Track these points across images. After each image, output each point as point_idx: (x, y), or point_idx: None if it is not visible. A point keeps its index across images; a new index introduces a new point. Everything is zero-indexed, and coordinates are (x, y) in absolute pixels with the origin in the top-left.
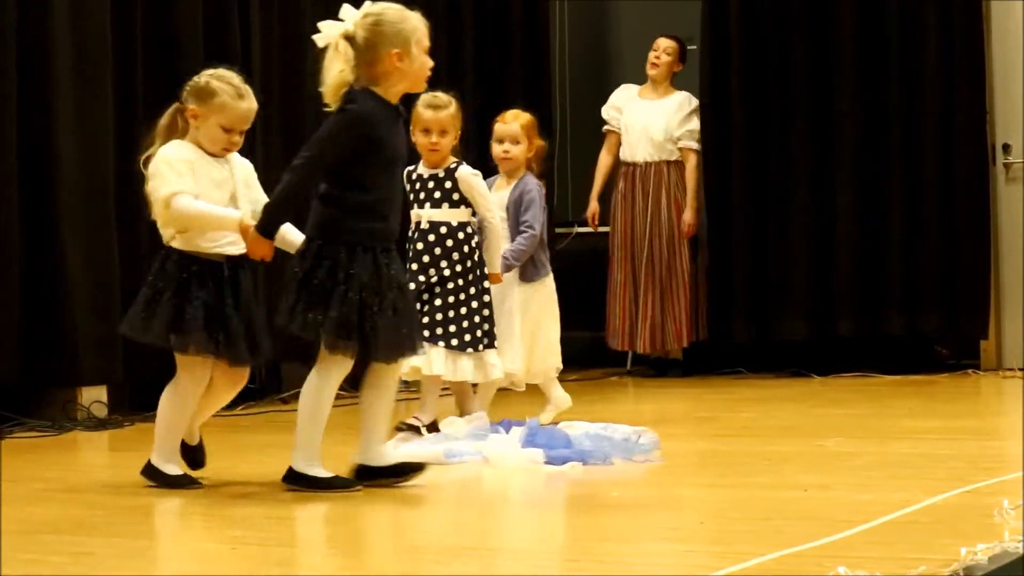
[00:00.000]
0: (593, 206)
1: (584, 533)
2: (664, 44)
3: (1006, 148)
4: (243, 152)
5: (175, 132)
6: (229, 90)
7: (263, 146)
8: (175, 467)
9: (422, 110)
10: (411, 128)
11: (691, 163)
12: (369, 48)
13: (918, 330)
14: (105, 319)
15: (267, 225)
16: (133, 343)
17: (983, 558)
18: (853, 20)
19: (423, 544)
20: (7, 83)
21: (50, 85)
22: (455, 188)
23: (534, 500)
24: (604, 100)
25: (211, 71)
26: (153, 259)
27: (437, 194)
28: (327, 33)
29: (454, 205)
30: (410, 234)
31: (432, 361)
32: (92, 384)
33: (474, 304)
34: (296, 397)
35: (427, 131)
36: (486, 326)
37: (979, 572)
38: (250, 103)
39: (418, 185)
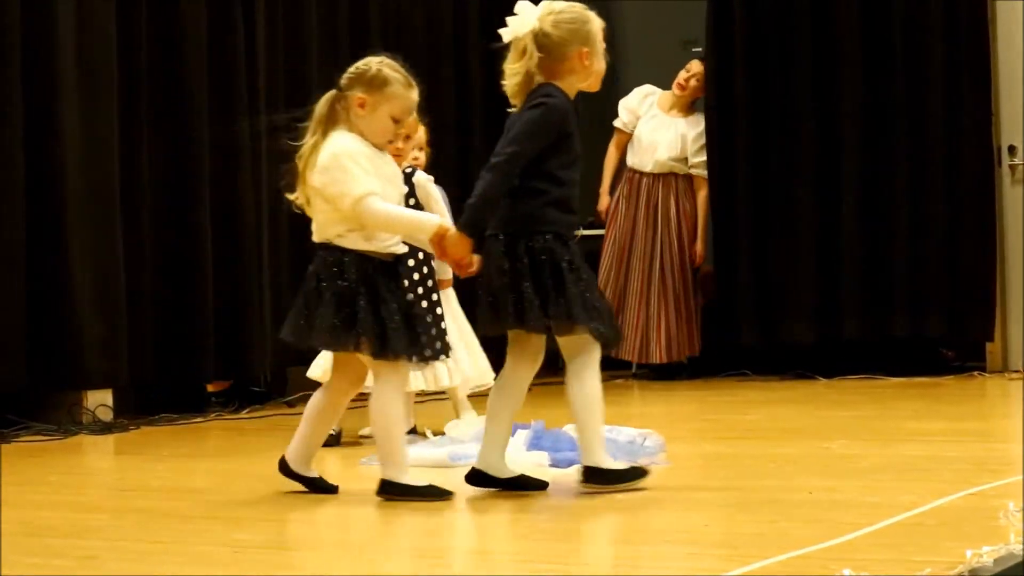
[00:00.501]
0: (604, 200)
1: (590, 536)
2: (697, 69)
3: (1011, 150)
4: (251, 146)
5: (335, 122)
6: (400, 79)
7: (268, 142)
8: (411, 476)
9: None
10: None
11: (703, 192)
12: (558, 46)
13: (923, 332)
14: (110, 322)
15: (472, 224)
16: (138, 346)
17: (988, 560)
18: (857, 22)
19: (427, 546)
20: (12, 88)
21: (55, 89)
22: (411, 193)
23: (539, 503)
24: (607, 101)
25: (377, 58)
26: (312, 258)
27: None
28: (515, 29)
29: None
30: None
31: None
32: (97, 388)
33: (438, 311)
34: (302, 401)
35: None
36: (445, 333)
37: (984, 574)
38: (416, 94)
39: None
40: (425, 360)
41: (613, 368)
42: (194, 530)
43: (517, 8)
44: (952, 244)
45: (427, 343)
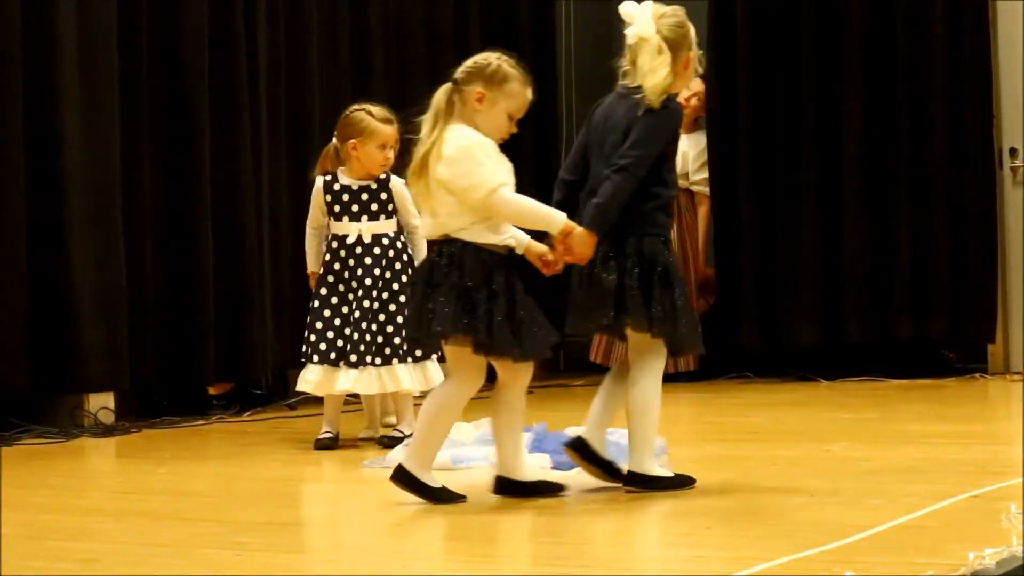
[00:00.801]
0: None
1: (592, 538)
2: (698, 87)
3: (1012, 152)
4: (250, 151)
5: (450, 115)
6: (519, 76)
7: (269, 146)
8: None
9: (381, 125)
10: (360, 141)
11: (704, 208)
12: (671, 50)
13: (926, 334)
14: (111, 326)
15: (601, 224)
16: (140, 349)
17: (991, 563)
18: (860, 26)
19: (429, 549)
20: (13, 93)
21: (56, 94)
22: (390, 199)
23: (541, 505)
24: None
25: (494, 54)
26: (431, 254)
27: (374, 206)
28: (641, 30)
29: (389, 216)
30: (338, 248)
31: (400, 377)
32: (99, 391)
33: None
34: (303, 404)
35: (384, 146)
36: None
37: None
38: (531, 93)
39: (346, 197)
40: (526, 359)
41: None
42: (196, 533)
43: (630, 8)
44: (954, 246)
45: (529, 341)
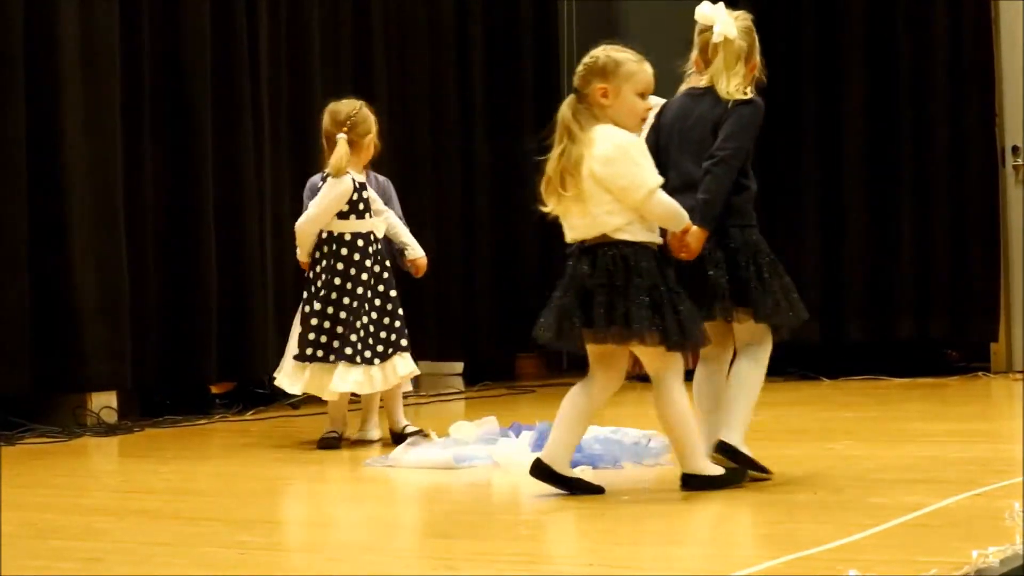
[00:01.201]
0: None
1: (595, 537)
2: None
3: (1015, 151)
4: (254, 150)
5: (580, 125)
6: (630, 56)
7: (271, 143)
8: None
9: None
10: (370, 137)
11: None
12: (747, 52)
13: (928, 334)
14: (114, 325)
15: (711, 219)
16: (142, 348)
17: (994, 561)
18: (862, 25)
19: (431, 547)
20: (15, 93)
21: (57, 92)
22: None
23: (544, 504)
24: None
25: (598, 48)
26: (583, 257)
27: (371, 203)
28: (727, 32)
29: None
30: (365, 245)
31: (399, 368)
32: (101, 390)
33: (400, 309)
34: (305, 403)
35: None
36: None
37: (990, 575)
38: (650, 67)
39: (364, 194)
40: (685, 349)
41: None
42: (198, 532)
43: (709, 10)
44: (956, 245)
45: (689, 331)
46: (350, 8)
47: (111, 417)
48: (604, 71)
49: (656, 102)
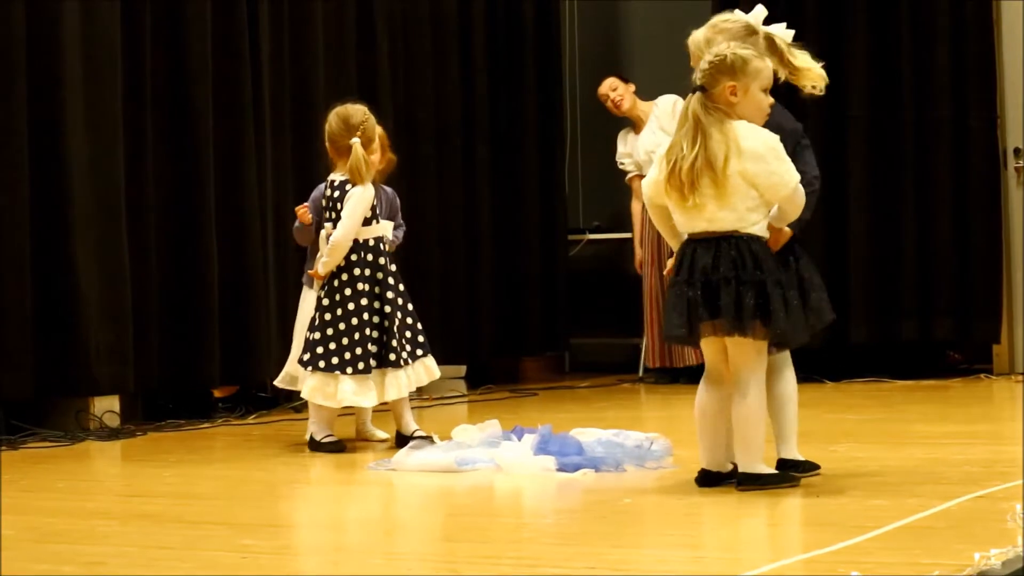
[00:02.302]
0: (639, 254)
1: (597, 540)
2: (609, 84)
3: (1017, 152)
4: (256, 152)
5: (713, 120)
6: (754, 53)
7: (274, 150)
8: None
9: (380, 129)
10: (373, 145)
11: None
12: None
13: (931, 335)
14: (116, 329)
15: (799, 226)
16: (145, 352)
17: (997, 563)
18: (864, 26)
19: (434, 550)
20: (17, 97)
21: (60, 98)
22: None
23: (546, 507)
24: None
25: (723, 46)
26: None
27: (378, 209)
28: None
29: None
30: (371, 248)
31: (418, 375)
32: (104, 394)
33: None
34: (308, 407)
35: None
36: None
37: None
38: (769, 60)
39: (374, 200)
40: (791, 346)
41: (620, 372)
42: (201, 536)
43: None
44: (959, 247)
45: (797, 328)
46: (354, 10)
47: (114, 421)
48: (733, 69)
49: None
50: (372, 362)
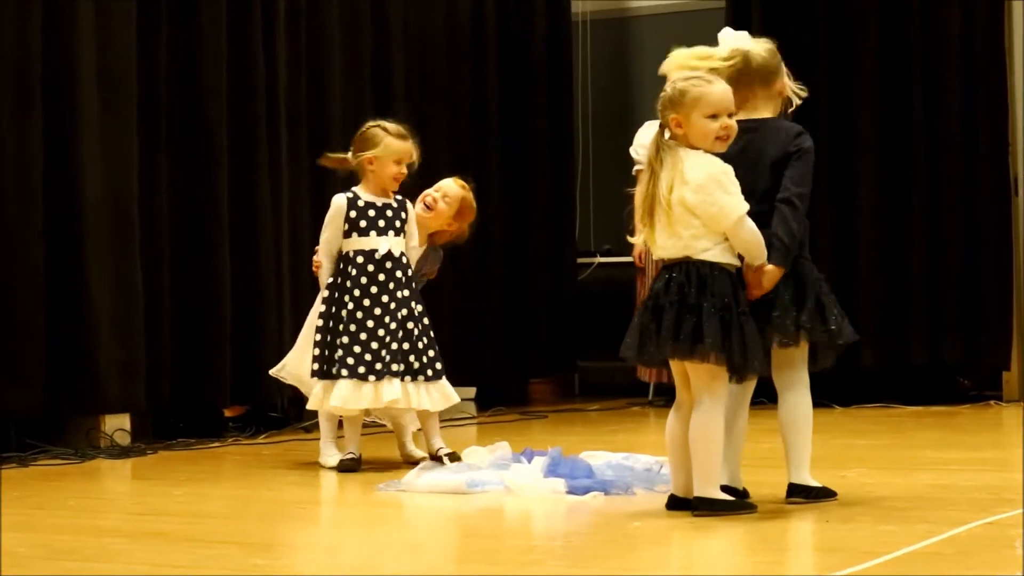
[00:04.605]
0: (639, 246)
1: (606, 563)
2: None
3: None
4: (270, 170)
5: (667, 151)
6: (693, 82)
7: (288, 165)
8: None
9: (396, 140)
10: (375, 155)
11: None
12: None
13: (941, 361)
14: (128, 347)
15: (789, 261)
16: (156, 370)
17: None
18: (875, 50)
19: (445, 572)
20: (32, 113)
21: (74, 113)
22: (407, 219)
23: (556, 530)
24: (627, 128)
25: (671, 80)
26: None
27: (397, 223)
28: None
29: (403, 235)
30: (365, 262)
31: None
32: (115, 412)
33: (431, 331)
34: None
35: (399, 161)
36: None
37: None
38: (717, 85)
39: (372, 212)
40: (744, 374)
41: (630, 395)
42: (211, 555)
43: (731, 36)
44: (969, 273)
45: (751, 357)
46: (369, 29)
47: (124, 439)
48: (672, 102)
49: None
50: (359, 368)
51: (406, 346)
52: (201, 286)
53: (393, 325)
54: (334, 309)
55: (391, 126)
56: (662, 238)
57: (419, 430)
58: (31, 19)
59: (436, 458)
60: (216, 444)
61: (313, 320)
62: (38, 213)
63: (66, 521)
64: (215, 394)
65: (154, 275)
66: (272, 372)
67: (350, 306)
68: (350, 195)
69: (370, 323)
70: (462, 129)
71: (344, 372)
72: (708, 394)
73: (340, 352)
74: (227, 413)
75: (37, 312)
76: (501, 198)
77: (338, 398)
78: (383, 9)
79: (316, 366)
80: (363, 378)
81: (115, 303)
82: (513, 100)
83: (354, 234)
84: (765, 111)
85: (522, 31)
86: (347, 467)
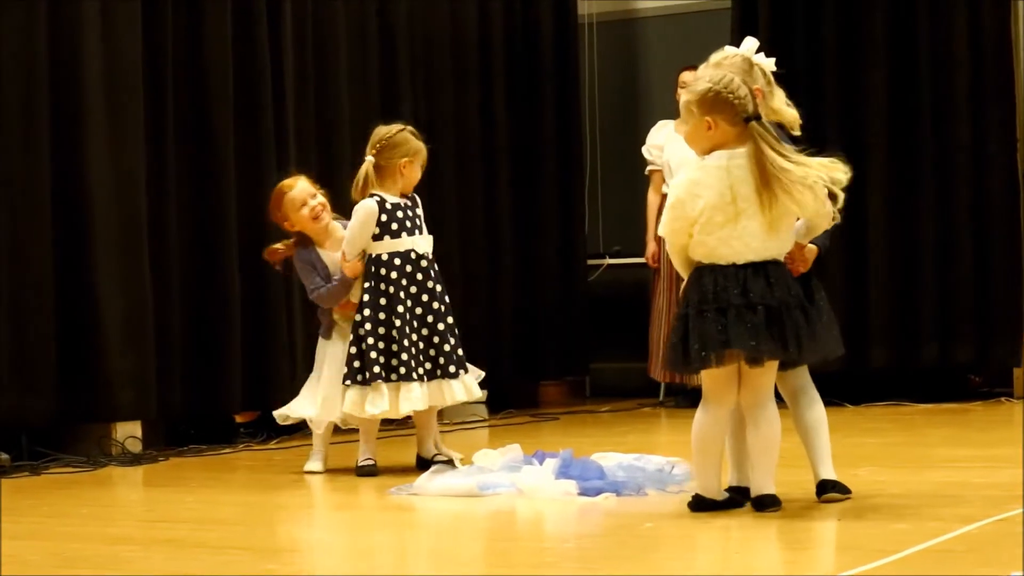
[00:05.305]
0: (652, 247)
1: (618, 564)
2: (687, 78)
3: None
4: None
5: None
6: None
7: (296, 168)
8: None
9: (418, 143)
10: (409, 160)
11: None
12: None
13: (951, 359)
14: (138, 354)
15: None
16: (167, 378)
17: None
18: (883, 50)
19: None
20: (39, 121)
21: (81, 122)
22: (423, 215)
23: (568, 532)
24: (635, 129)
25: (709, 73)
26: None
27: (418, 221)
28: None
29: (427, 232)
30: (403, 263)
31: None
32: (126, 419)
33: (457, 329)
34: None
35: (423, 165)
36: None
37: None
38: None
39: (400, 214)
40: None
41: (641, 396)
42: (224, 561)
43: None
44: (979, 270)
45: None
46: (376, 36)
47: (136, 446)
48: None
49: (664, 122)
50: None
51: (436, 340)
52: (211, 293)
53: (441, 326)
54: (382, 315)
55: (414, 131)
56: (754, 238)
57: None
58: (36, 29)
59: (430, 462)
60: (228, 450)
61: (328, 361)
62: (47, 222)
63: (78, 529)
64: (226, 400)
65: (164, 283)
66: (278, 415)
67: (399, 308)
68: (377, 198)
69: (415, 323)
70: (469, 132)
71: (395, 376)
72: (770, 391)
73: (388, 357)
74: (238, 419)
75: (47, 320)
76: (510, 200)
77: (385, 404)
78: (389, 13)
79: (371, 374)
80: (417, 379)
81: (125, 310)
82: (520, 102)
83: (386, 237)
84: None
85: (528, 33)
86: (367, 472)
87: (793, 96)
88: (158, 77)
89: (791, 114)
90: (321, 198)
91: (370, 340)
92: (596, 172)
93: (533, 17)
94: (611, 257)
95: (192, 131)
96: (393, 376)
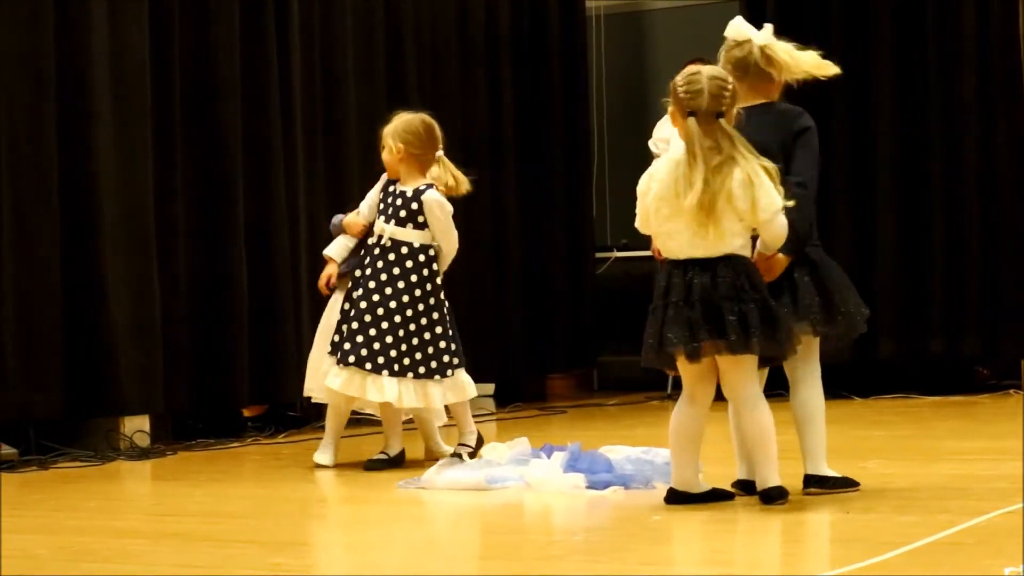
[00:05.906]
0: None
1: (627, 557)
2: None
3: None
4: (286, 173)
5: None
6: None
7: (304, 168)
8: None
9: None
10: (442, 153)
11: None
12: None
13: (959, 352)
14: (146, 349)
15: (799, 249)
16: (175, 372)
17: None
18: (891, 45)
19: (465, 569)
20: (47, 116)
21: (89, 117)
22: (420, 210)
23: (576, 525)
24: (642, 122)
25: (690, 69)
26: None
27: (403, 212)
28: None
29: (418, 226)
30: (370, 246)
31: (402, 393)
32: (134, 414)
33: (437, 329)
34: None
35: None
36: (453, 347)
37: None
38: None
39: (389, 200)
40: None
41: (649, 390)
42: (232, 554)
43: (743, 25)
44: (987, 263)
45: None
46: (383, 31)
47: (144, 441)
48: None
49: None
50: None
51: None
52: (218, 288)
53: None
54: (433, 303)
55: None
56: (700, 237)
57: (447, 423)
58: (43, 27)
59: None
60: (235, 444)
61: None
62: (55, 218)
63: (86, 523)
64: (233, 394)
65: (171, 278)
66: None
67: (441, 296)
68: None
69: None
70: (478, 126)
71: (450, 369)
72: (753, 385)
73: (437, 349)
74: (246, 413)
75: (55, 316)
76: (518, 194)
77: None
78: (396, 9)
79: (424, 368)
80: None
81: (133, 305)
82: (528, 96)
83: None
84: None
85: (536, 27)
86: (375, 466)
87: (803, 90)
88: (165, 74)
89: (827, 65)
90: None
91: (428, 334)
92: (604, 165)
93: (541, 11)
94: (619, 250)
95: (199, 127)
96: (450, 369)
